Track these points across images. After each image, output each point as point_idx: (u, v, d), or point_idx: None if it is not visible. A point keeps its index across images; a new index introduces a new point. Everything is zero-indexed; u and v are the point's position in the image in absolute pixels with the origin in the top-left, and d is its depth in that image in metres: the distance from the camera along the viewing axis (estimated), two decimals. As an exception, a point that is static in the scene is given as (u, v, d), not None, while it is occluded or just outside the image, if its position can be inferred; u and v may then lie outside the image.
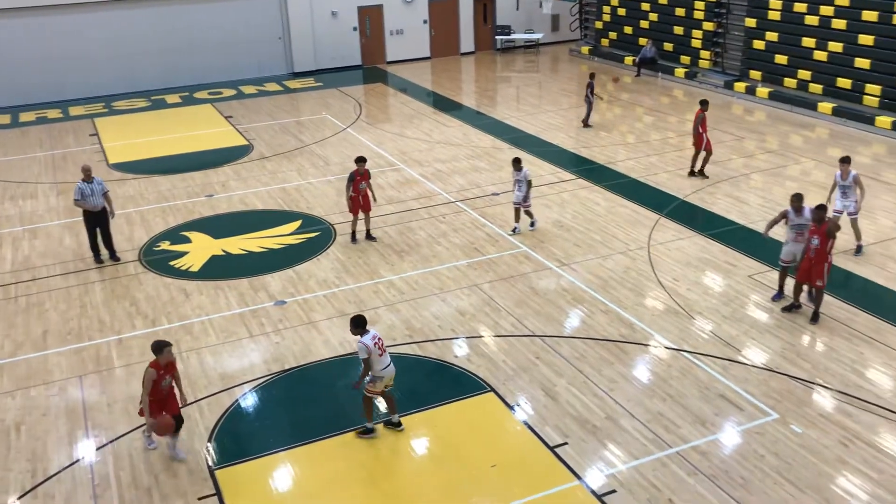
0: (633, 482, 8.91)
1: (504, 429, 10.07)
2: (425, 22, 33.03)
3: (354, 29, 31.95)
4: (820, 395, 10.35)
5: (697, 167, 18.33)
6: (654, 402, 10.31)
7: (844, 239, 13.94)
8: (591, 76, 22.69)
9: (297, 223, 16.61)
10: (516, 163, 15.43)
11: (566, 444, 9.58)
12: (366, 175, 15.03)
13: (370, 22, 32.24)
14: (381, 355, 9.43)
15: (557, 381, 10.82)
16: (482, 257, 14.60)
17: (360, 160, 15.01)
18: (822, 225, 11.62)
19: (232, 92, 28.95)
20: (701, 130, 17.88)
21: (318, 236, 15.92)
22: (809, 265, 11.81)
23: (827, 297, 12.37)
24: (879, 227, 15.20)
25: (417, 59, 33.29)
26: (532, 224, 15.75)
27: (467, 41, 34.03)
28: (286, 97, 28.10)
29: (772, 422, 9.83)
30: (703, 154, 18.17)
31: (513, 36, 34.22)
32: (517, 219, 15.68)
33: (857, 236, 14.17)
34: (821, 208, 11.67)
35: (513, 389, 10.68)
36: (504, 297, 13.16)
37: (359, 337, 9.36)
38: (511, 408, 10.34)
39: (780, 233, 13.03)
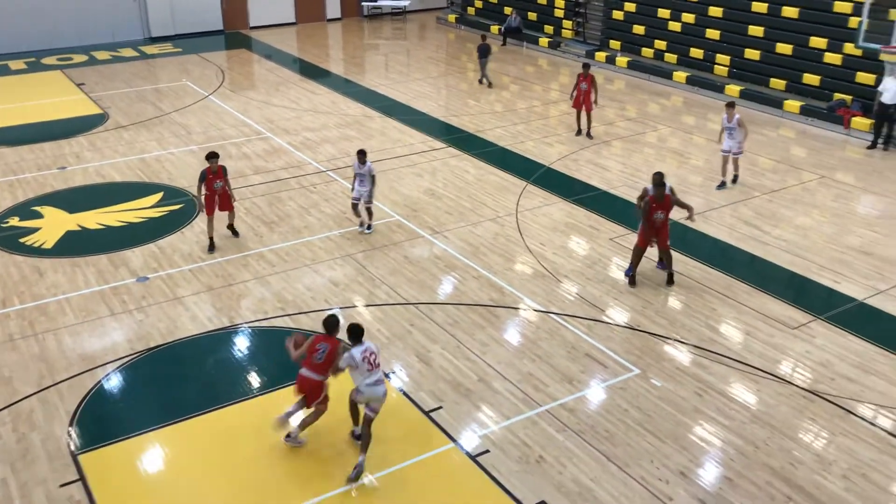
0: (505, 441, 9.18)
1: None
2: (289, -14, 32.17)
3: (215, -8, 30.74)
4: (677, 350, 10.96)
5: (586, 128, 19.27)
6: (524, 363, 10.62)
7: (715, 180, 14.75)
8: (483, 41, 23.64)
9: (159, 195, 15.93)
10: (361, 155, 13.81)
11: (440, 408, 9.74)
12: (220, 173, 13.42)
13: (231, -15, 31.09)
14: (369, 370, 8.53)
15: (431, 348, 10.96)
16: (355, 227, 14.51)
17: (212, 156, 13.39)
18: (665, 199, 12.16)
19: (83, 58, 27.28)
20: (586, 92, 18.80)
21: (181, 209, 15.34)
22: (657, 234, 12.32)
23: (682, 258, 13.07)
24: (729, 191, 16.14)
25: (282, 24, 32.43)
26: (368, 227, 14.25)
27: (333, 7, 33.42)
28: (143, 63, 26.76)
29: (634, 377, 10.34)
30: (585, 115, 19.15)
31: (379, 3, 33.89)
32: (359, 214, 14.30)
33: (736, 168, 16.33)
34: (661, 185, 12.09)
35: (388, 357, 10.72)
36: (378, 267, 13.15)
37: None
38: (386, 375, 10.39)
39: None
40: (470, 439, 9.24)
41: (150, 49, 28.60)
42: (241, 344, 11.25)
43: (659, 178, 12.19)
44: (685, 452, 9.02)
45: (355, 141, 18.94)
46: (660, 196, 12.13)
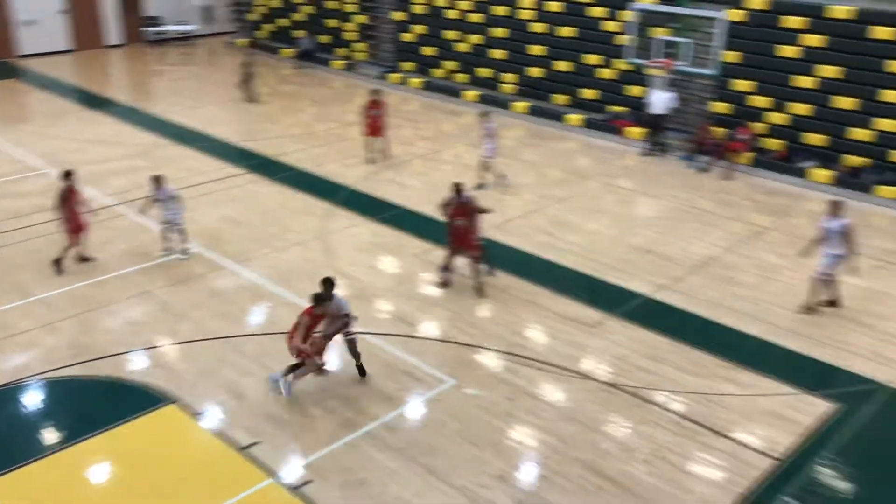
0: (327, 469, 9.05)
1: (191, 438, 9.66)
2: (63, 12, 30.15)
3: (-25, 18, 28.23)
4: (488, 358, 11.32)
5: (382, 152, 19.31)
6: (341, 387, 10.54)
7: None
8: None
9: (-78, 243, 14.33)
10: (157, 180, 13.67)
11: (258, 443, 9.44)
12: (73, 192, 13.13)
13: (-6, 11, 28.68)
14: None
15: (244, 381, 10.61)
16: (153, 262, 13.79)
17: (66, 175, 13.30)
18: (464, 207, 12.73)
19: None
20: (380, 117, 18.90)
21: (-50, 256, 13.89)
22: (460, 242, 12.86)
23: (482, 267, 13.54)
24: (524, 201, 16.96)
25: (57, 52, 30.32)
26: (185, 252, 13.98)
27: (114, 33, 31.70)
28: None
29: (449, 388, 10.56)
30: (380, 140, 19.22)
31: (164, 27, 32.57)
32: (168, 240, 13.97)
33: (494, 175, 17.43)
34: (458, 193, 12.80)
35: (197, 396, 10.26)
36: (180, 302, 12.56)
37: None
38: (197, 416, 9.93)
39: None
40: (291, 471, 9.02)
41: None
42: (32, 399, 10.32)
43: (456, 187, 12.83)
44: (503, 457, 9.33)
45: (147, 171, 17.97)
46: (459, 203, 12.70)
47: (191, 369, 10.86)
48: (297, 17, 30.21)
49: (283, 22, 30.82)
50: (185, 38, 33.03)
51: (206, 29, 33.79)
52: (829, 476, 9.18)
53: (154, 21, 32.40)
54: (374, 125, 18.94)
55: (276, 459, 9.18)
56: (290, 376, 10.14)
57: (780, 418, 10.07)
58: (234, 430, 9.67)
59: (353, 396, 10.33)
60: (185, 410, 10.02)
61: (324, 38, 29.36)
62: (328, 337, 10.26)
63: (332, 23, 29.10)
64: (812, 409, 10.27)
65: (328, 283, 10.14)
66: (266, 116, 22.98)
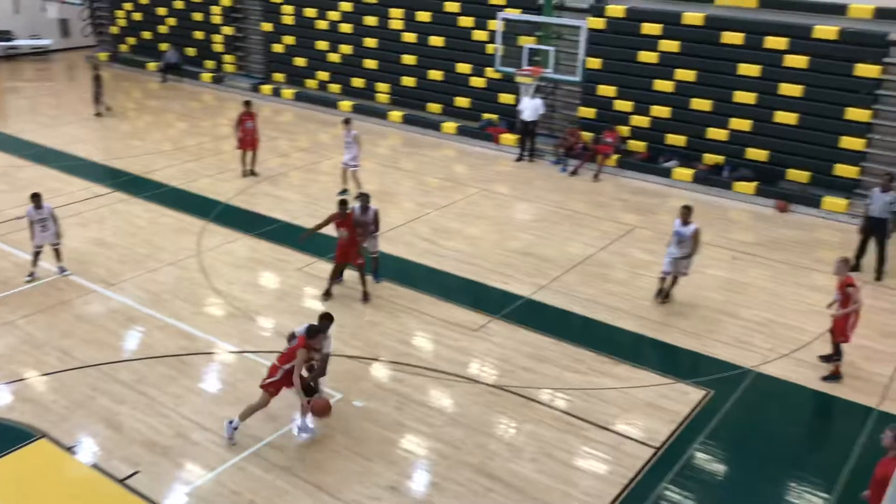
0: (213, 494, 8.78)
1: (66, 473, 9.17)
2: None
3: None
4: (375, 369, 11.30)
5: (251, 167, 18.84)
6: (223, 408, 10.25)
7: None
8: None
9: None
10: (37, 198, 13.24)
11: (137, 472, 9.06)
12: None
13: None
14: None
15: (119, 410, 10.15)
16: (12, 290, 13.00)
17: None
18: (346, 218, 12.85)
19: None
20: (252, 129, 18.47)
21: None
22: (344, 251, 12.99)
23: (368, 277, 13.51)
24: (405, 211, 17.04)
25: None
26: (63, 270, 13.61)
27: (-42, 48, 29.77)
28: None
29: (336, 402, 10.45)
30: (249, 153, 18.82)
31: (16, 42, 30.81)
32: (35, 264, 13.42)
33: (356, 181, 17.29)
34: (343, 203, 12.94)
35: (69, 429, 9.74)
36: (45, 331, 11.90)
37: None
38: (70, 449, 9.43)
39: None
40: (175, 500, 8.70)
41: None
42: None
43: (341, 199, 13.07)
44: (394, 467, 9.32)
45: (4, 194, 17.01)
46: (342, 215, 12.83)
47: (61, 401, 10.30)
48: (162, 29, 29.24)
49: (147, 35, 29.76)
50: (40, 53, 31.38)
51: (64, 43, 32.22)
52: (703, 460, 9.66)
53: (4, 35, 30.60)
54: (248, 138, 18.56)
55: (158, 489, 8.83)
56: (305, 418, 9.85)
57: (656, 408, 10.53)
58: (112, 460, 9.24)
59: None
60: (57, 444, 9.50)
61: (191, 51, 28.55)
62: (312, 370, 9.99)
63: (199, 35, 28.33)
64: (685, 398, 10.78)
65: (327, 317, 10.14)
66: (132, 132, 22.12)
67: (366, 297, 13.05)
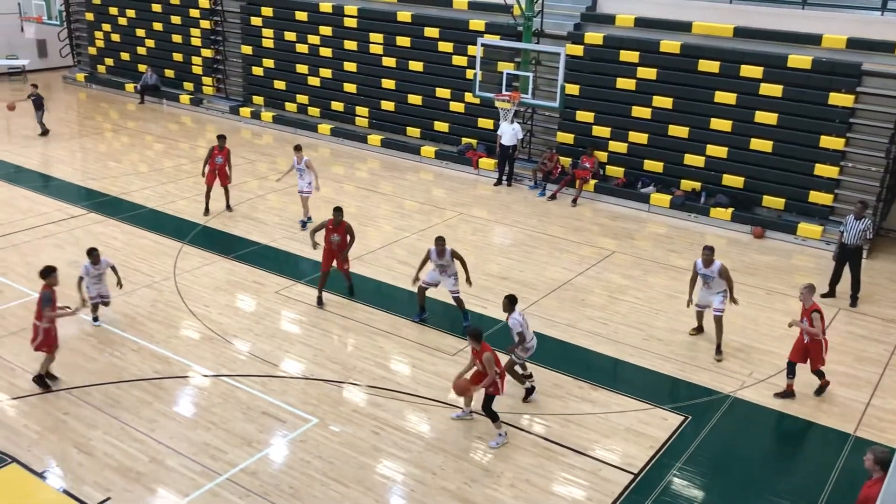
0: (187, 520, 8.63)
1: (35, 499, 8.97)
2: None
3: None
4: (352, 393, 11.20)
5: (226, 202, 18.02)
6: (198, 433, 10.10)
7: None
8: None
9: None
10: (92, 254, 12.46)
11: (108, 499, 8.88)
12: None
13: None
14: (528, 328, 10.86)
15: (92, 434, 9.97)
16: (-17, 312, 12.80)
17: None
18: (341, 224, 13.46)
19: None
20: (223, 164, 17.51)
21: None
22: (331, 257, 13.60)
23: (346, 301, 13.44)
24: (383, 234, 17.00)
25: None
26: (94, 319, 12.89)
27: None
28: None
29: (313, 427, 10.34)
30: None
31: (-8, 62, 30.60)
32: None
33: (306, 211, 17.28)
34: (338, 211, 13.52)
35: (40, 454, 9.54)
36: (16, 354, 11.69)
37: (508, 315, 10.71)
38: (41, 475, 9.23)
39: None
40: (147, 526, 8.54)
41: None
42: None
43: (337, 208, 13.61)
44: (371, 493, 9.21)
45: (-24, 215, 16.79)
46: (337, 221, 13.38)
47: (32, 425, 10.10)
48: (141, 50, 29.15)
49: (125, 56, 29.65)
50: (15, 73, 31.15)
51: (41, 63, 32.01)
52: (681, 486, 9.64)
53: (-20, 55, 30.41)
54: (214, 173, 17.47)
55: (129, 515, 8.66)
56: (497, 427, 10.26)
57: (635, 434, 10.51)
58: (84, 486, 9.06)
59: (211, 443, 9.92)
60: (27, 469, 9.29)
61: (169, 72, 28.46)
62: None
63: (178, 56, 28.26)
64: (663, 423, 10.78)
65: (512, 299, 10.88)
66: (109, 153, 21.95)
67: (351, 291, 14.04)
